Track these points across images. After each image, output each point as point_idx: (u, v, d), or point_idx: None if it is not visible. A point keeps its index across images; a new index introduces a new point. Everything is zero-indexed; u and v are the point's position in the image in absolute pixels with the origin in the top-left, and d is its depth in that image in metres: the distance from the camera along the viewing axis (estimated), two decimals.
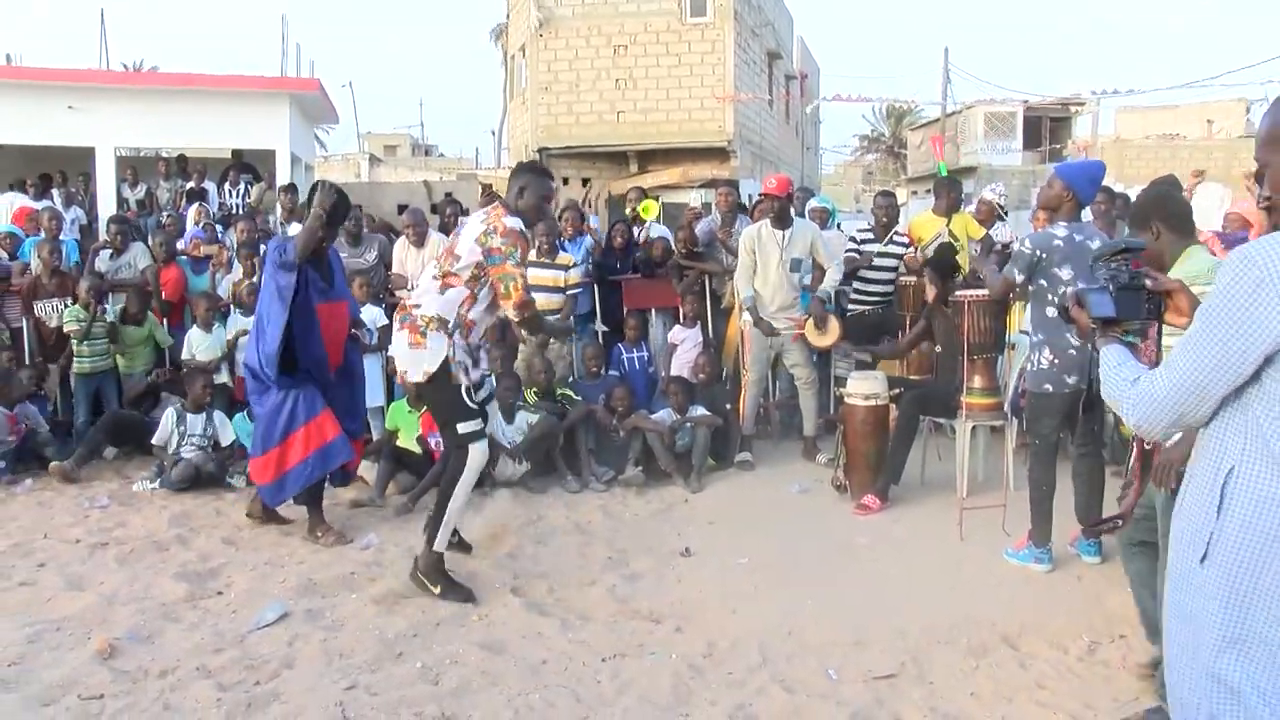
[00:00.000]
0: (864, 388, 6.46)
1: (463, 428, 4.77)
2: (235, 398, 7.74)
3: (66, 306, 7.77)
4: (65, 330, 7.67)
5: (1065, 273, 4.89)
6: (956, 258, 7.55)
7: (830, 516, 6.17)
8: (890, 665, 4.05)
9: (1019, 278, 5.02)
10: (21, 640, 4.30)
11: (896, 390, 6.50)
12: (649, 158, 21.04)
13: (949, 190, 8.16)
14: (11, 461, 7.13)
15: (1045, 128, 35.61)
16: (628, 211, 9.47)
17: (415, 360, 4.69)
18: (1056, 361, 4.97)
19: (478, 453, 4.79)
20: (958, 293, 6.07)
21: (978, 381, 6.04)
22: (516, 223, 4.65)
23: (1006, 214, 8.70)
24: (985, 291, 5.82)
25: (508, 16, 24.46)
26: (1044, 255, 4.93)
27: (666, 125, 20.71)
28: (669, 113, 20.72)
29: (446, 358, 4.64)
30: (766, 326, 7.28)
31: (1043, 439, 5.10)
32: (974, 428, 6.19)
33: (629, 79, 20.87)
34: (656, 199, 9.95)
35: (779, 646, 4.25)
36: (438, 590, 4.72)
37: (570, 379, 7.79)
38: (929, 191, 32.50)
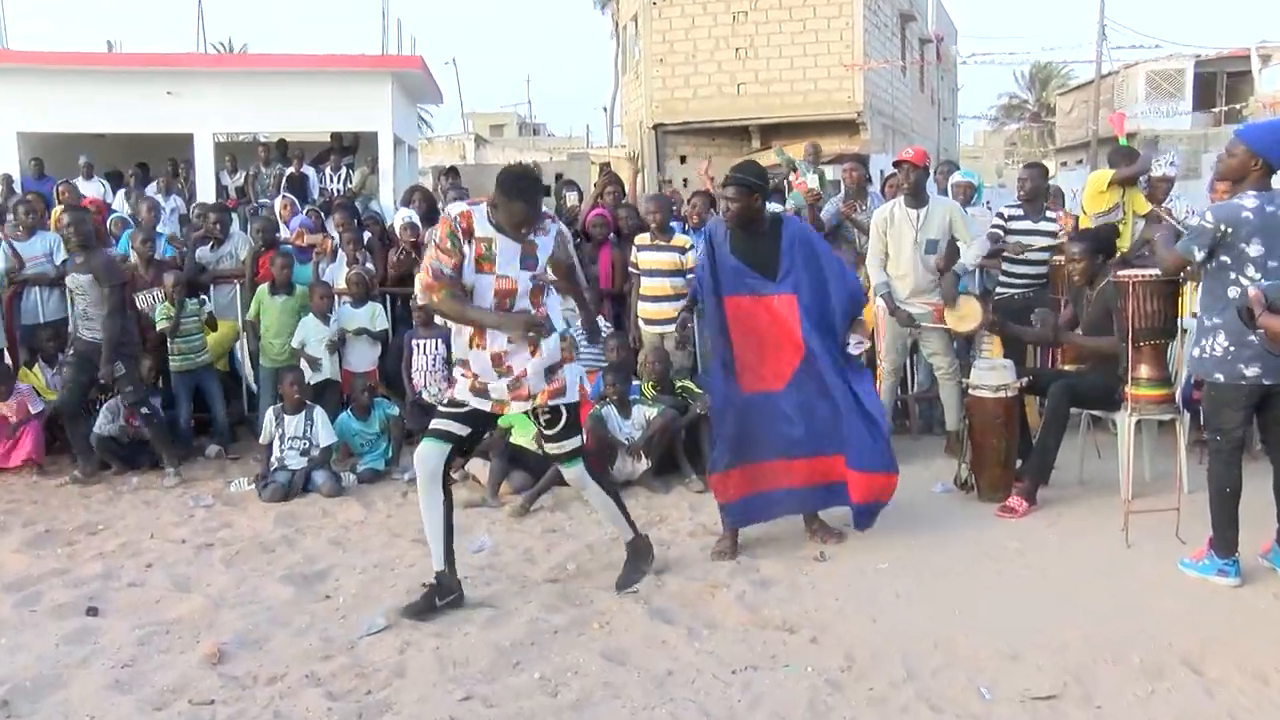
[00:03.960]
0: (991, 379, 6.32)
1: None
2: (343, 392, 7.92)
3: (162, 299, 7.97)
4: (157, 328, 7.90)
5: (1254, 249, 4.65)
6: (1117, 238, 7.33)
7: (977, 518, 6.05)
8: (1050, 684, 3.94)
9: (1198, 255, 4.76)
10: (133, 642, 4.50)
11: (1026, 379, 6.34)
12: (772, 132, 20.92)
13: (1128, 160, 7.94)
14: (124, 460, 7.48)
15: (1221, 84, 33.99)
16: None
17: None
18: (1233, 349, 4.75)
19: (417, 452, 4.85)
20: (1121, 272, 5.87)
21: (1144, 371, 5.83)
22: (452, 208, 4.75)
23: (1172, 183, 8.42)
24: (1152, 271, 5.63)
25: None
26: (1229, 230, 4.67)
27: (791, 97, 20.58)
28: (793, 83, 20.58)
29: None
30: (904, 316, 7.16)
31: (1224, 435, 4.86)
32: (1139, 422, 5.99)
33: (749, 48, 20.78)
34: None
35: (924, 660, 4.17)
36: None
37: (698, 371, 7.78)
38: (1079, 162, 31.53)
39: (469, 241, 4.59)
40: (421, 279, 4.69)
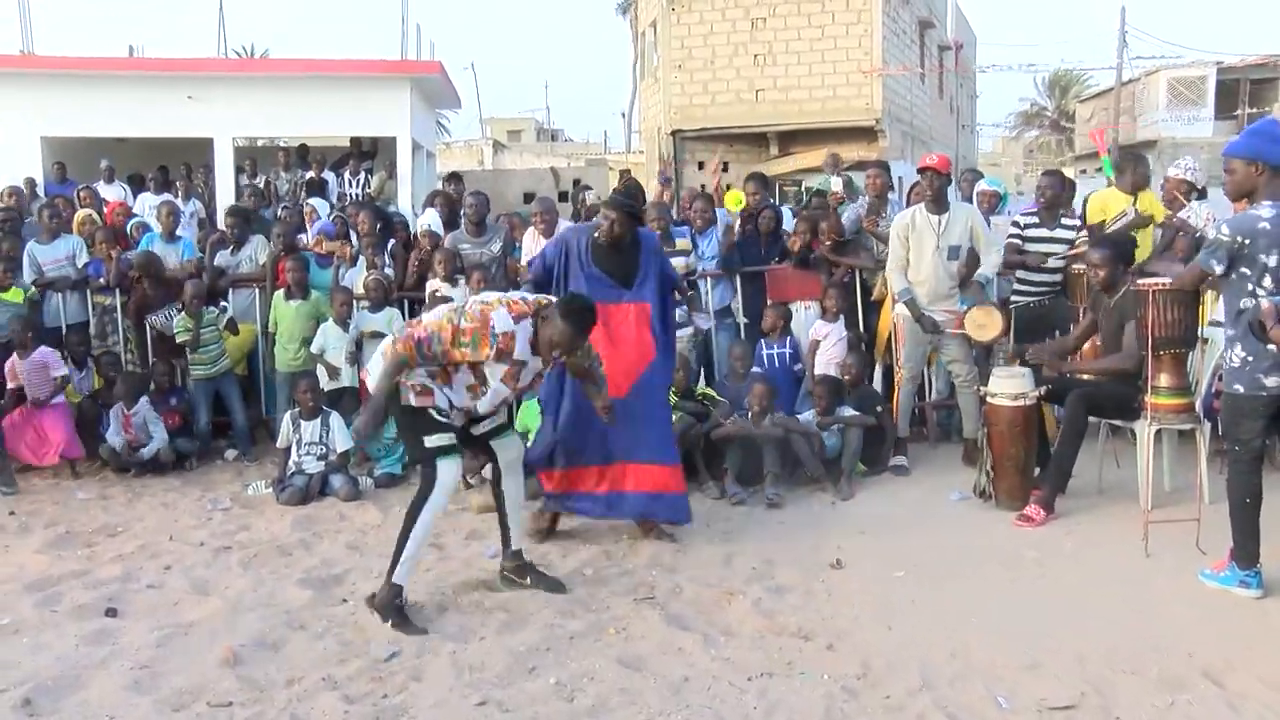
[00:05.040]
0: (1010, 386, 6.32)
1: (430, 441, 4.85)
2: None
3: (177, 312, 7.94)
4: (177, 341, 7.91)
5: (1272, 259, 4.62)
6: (1134, 243, 7.31)
7: (994, 526, 6.03)
8: (1068, 694, 3.93)
9: (1218, 268, 4.73)
10: (152, 644, 4.53)
11: (1044, 387, 6.32)
12: (790, 139, 20.92)
13: (1134, 165, 7.93)
14: (138, 465, 7.50)
15: (1244, 91, 33.69)
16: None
17: None
18: (1251, 359, 4.72)
19: (446, 471, 4.84)
20: (1141, 280, 5.85)
21: (1164, 380, 5.80)
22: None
23: (1205, 192, 8.33)
24: (1169, 280, 5.59)
25: None
26: (1247, 241, 4.65)
27: (809, 103, 20.56)
28: (811, 90, 20.56)
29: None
30: (930, 323, 7.16)
31: (1243, 445, 4.83)
32: (1159, 431, 5.97)
33: (768, 54, 20.78)
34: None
35: (941, 668, 4.17)
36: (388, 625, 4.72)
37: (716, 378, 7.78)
38: (1099, 170, 31.34)
39: (502, 361, 4.74)
40: (409, 334, 4.71)
